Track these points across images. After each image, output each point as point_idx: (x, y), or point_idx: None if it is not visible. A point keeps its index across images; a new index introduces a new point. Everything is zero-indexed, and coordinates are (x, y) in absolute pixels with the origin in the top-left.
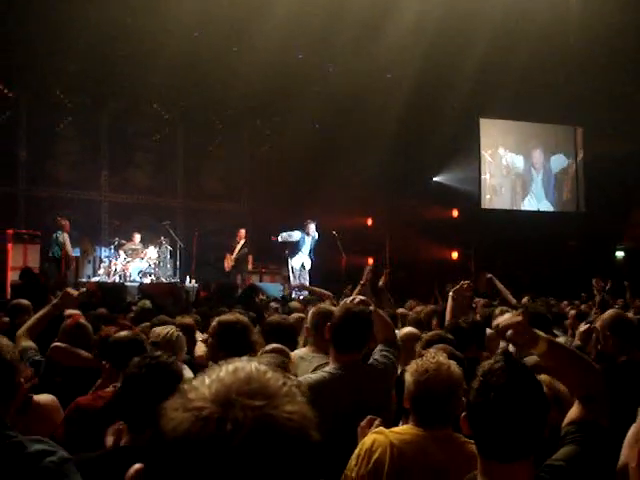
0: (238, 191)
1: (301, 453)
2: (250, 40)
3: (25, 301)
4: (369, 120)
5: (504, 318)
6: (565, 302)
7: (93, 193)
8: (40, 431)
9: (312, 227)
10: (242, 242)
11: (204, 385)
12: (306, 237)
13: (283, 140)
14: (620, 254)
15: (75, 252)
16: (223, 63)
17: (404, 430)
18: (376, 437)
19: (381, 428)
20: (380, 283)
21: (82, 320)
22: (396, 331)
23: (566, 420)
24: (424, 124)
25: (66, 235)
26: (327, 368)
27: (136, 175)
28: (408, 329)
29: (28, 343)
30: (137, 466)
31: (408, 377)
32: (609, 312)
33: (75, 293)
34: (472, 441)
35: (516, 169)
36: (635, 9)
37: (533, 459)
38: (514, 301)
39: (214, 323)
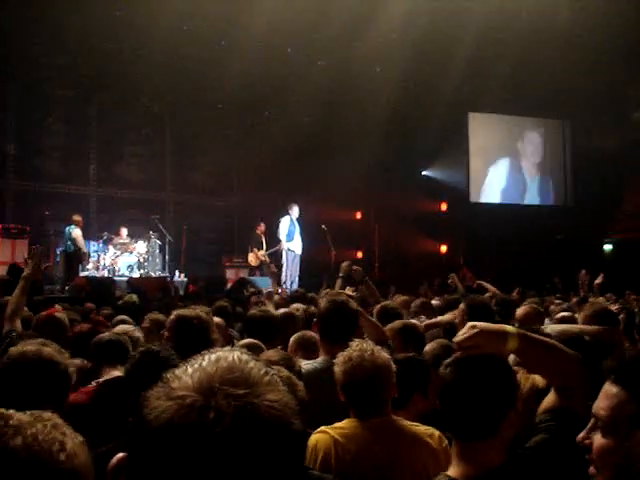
0: (227, 185)
1: (283, 441)
2: (239, 34)
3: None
4: (358, 114)
5: (460, 334)
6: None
7: (82, 187)
8: None
9: (295, 209)
10: (265, 237)
11: (187, 374)
12: (294, 220)
13: (272, 134)
14: (608, 247)
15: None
16: (212, 57)
17: (345, 425)
18: (319, 437)
19: (324, 427)
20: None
21: (58, 314)
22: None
23: (541, 408)
24: (413, 118)
25: (78, 230)
26: (318, 359)
27: (125, 169)
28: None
29: (14, 325)
30: (119, 455)
31: (336, 369)
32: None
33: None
34: (416, 423)
35: (504, 163)
36: (624, 2)
37: (498, 441)
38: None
39: (172, 316)
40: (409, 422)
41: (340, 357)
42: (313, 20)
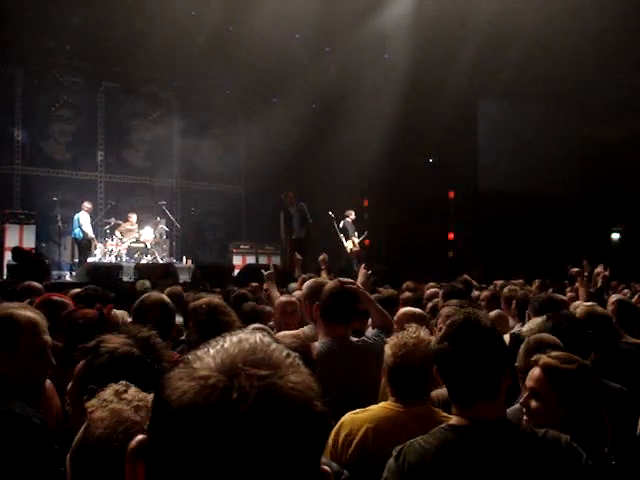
0: (235, 172)
1: (306, 423)
2: (247, 20)
3: (37, 284)
4: (366, 101)
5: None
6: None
7: (89, 173)
8: (50, 409)
9: (290, 199)
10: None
11: (209, 355)
12: (290, 212)
13: (280, 121)
14: (616, 236)
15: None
16: (220, 43)
17: (382, 407)
18: (354, 418)
19: (357, 410)
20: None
21: (55, 297)
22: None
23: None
24: (422, 104)
25: (86, 217)
26: (317, 342)
27: (132, 155)
28: (407, 309)
29: None
30: (139, 437)
31: (387, 350)
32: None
33: None
34: (451, 416)
35: (512, 150)
36: None
37: (498, 400)
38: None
39: (190, 309)
40: (446, 414)
41: (394, 341)
42: (321, 6)
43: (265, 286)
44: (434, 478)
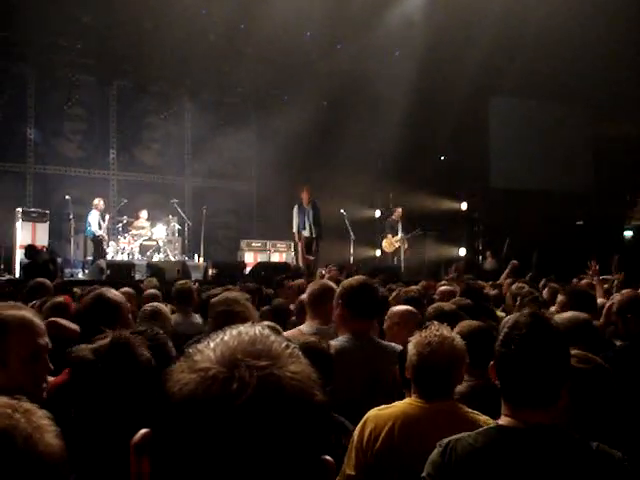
0: (246, 169)
1: (305, 412)
2: (258, 18)
3: (47, 281)
4: (377, 98)
5: None
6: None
7: (101, 171)
8: None
9: (304, 196)
10: (402, 222)
11: (209, 348)
12: (305, 208)
13: (292, 118)
14: (629, 234)
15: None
16: (231, 41)
17: (407, 403)
18: (378, 414)
19: (381, 406)
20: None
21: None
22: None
23: None
24: (432, 101)
25: (94, 214)
26: (340, 337)
27: (144, 153)
28: (404, 307)
29: None
30: (143, 431)
31: (411, 348)
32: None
33: None
34: (476, 412)
35: (524, 148)
36: None
37: (553, 409)
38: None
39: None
40: (471, 410)
41: (418, 338)
42: (332, 3)
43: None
44: (481, 477)
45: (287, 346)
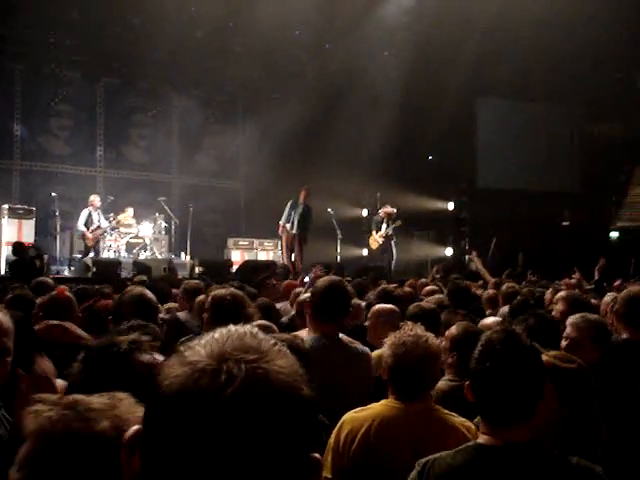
0: (234, 168)
1: (292, 406)
2: (247, 16)
3: (49, 280)
4: (366, 98)
5: None
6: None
7: (88, 168)
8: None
9: (303, 195)
10: (387, 219)
11: (200, 345)
12: (299, 204)
13: (280, 116)
14: (615, 234)
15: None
16: (219, 38)
17: (383, 405)
18: (355, 416)
19: (357, 409)
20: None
21: (67, 292)
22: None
23: None
24: (422, 102)
25: (86, 211)
26: (307, 337)
27: (131, 150)
28: (386, 306)
29: None
30: (135, 427)
31: (386, 350)
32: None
33: None
34: (452, 413)
35: (511, 149)
36: None
37: (529, 424)
38: (492, 280)
39: (208, 299)
40: (447, 411)
41: (392, 339)
42: (321, 2)
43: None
44: None
45: (275, 343)
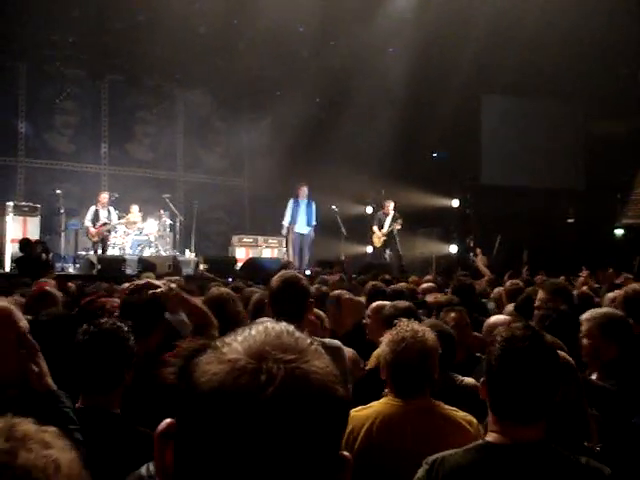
0: (239, 165)
1: (328, 406)
2: (250, 12)
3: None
4: (370, 95)
5: None
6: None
7: (93, 165)
8: None
9: (303, 191)
10: (391, 215)
11: (237, 341)
12: (300, 202)
13: (284, 113)
14: (619, 232)
15: (74, 225)
16: (223, 35)
17: (383, 403)
18: (355, 415)
19: (358, 407)
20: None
21: (50, 289)
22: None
23: None
24: (426, 99)
25: (92, 208)
26: None
27: (136, 147)
28: (384, 303)
29: None
30: (168, 421)
31: (384, 347)
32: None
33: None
34: (453, 408)
35: (516, 146)
36: None
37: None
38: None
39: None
40: (448, 407)
41: (390, 336)
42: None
43: None
44: None
45: (311, 342)
